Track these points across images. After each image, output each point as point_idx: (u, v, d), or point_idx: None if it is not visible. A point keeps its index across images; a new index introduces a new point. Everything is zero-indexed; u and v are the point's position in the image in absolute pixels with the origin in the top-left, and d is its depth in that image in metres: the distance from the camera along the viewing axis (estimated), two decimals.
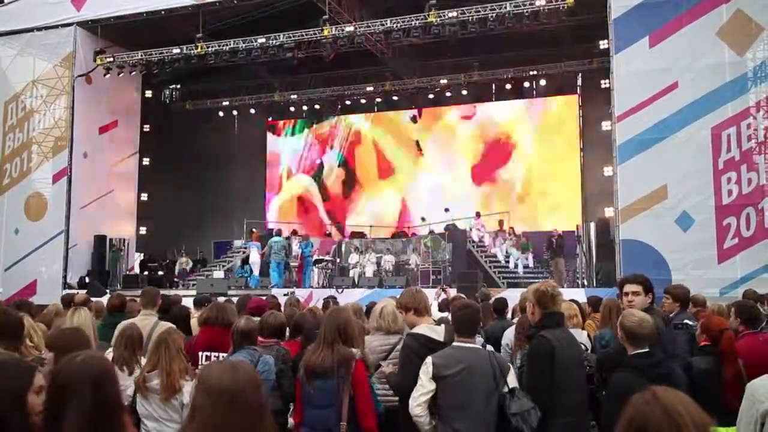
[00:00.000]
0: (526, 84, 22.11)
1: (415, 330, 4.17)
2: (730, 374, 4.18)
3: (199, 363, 4.81)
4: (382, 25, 17.31)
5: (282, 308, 6.79)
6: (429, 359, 3.77)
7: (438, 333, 4.13)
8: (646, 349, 3.79)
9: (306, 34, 17.97)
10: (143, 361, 4.42)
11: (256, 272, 18.87)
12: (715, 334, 4.29)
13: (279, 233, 19.04)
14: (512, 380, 3.66)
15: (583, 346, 5.59)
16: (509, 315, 7.49)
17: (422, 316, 4.29)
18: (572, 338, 4.09)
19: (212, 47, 18.63)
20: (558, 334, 3.86)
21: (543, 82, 21.95)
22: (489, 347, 5.08)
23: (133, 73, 20.44)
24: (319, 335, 4.02)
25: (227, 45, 18.55)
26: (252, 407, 2.02)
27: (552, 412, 3.60)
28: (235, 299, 6.84)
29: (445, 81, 22.29)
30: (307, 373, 3.92)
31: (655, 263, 13.62)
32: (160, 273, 21.28)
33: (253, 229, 21.74)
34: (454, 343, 3.91)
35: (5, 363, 2.17)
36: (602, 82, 18.40)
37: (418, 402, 3.72)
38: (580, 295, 12.68)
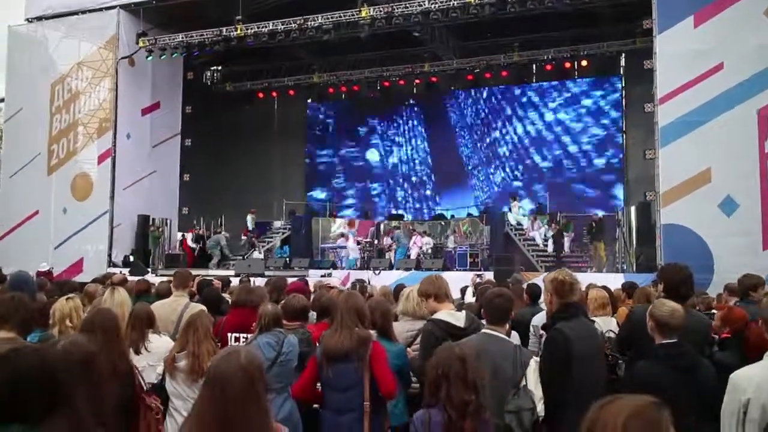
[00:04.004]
0: (567, 65, 21.70)
1: (436, 316, 4.19)
2: None
3: (228, 344, 4.93)
4: (420, 5, 17.15)
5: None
6: None
7: (459, 319, 4.14)
8: (675, 340, 3.75)
9: (344, 16, 17.94)
10: (155, 337, 4.56)
11: (353, 256, 20.06)
12: (738, 326, 4.18)
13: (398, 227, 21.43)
14: (530, 376, 3.62)
15: (612, 334, 5.55)
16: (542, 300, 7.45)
17: (443, 302, 4.30)
18: (591, 329, 4.03)
19: (251, 29, 18.74)
20: (575, 325, 3.81)
21: (584, 63, 21.53)
22: (515, 335, 5.10)
23: (175, 55, 20.69)
24: (336, 319, 4.08)
25: (266, 27, 18.64)
26: (242, 396, 2.10)
27: (569, 404, 3.57)
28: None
29: (484, 62, 22.01)
30: (326, 356, 3.97)
31: (697, 248, 13.37)
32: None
33: (352, 217, 22.31)
34: (483, 330, 3.92)
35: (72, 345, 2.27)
36: (645, 62, 17.96)
37: None
38: (619, 279, 12.57)
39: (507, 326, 3.89)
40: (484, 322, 4.17)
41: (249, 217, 22.20)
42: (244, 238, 21.97)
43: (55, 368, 2.10)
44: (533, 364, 3.63)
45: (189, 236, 21.27)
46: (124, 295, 5.15)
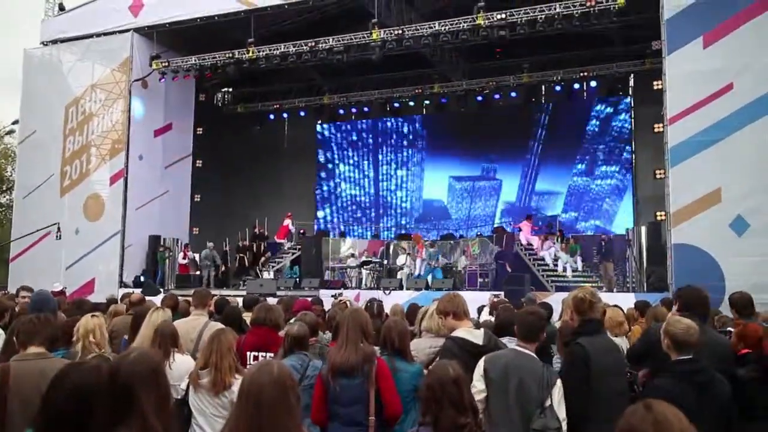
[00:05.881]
0: (576, 86, 21.82)
1: (455, 333, 4.24)
2: None
3: (248, 363, 4.96)
4: (431, 27, 17.33)
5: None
6: (482, 360, 3.82)
7: (477, 336, 4.19)
8: (690, 356, 3.77)
9: (355, 38, 18.13)
10: (178, 356, 4.65)
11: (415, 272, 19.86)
12: (753, 342, 4.20)
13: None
14: (555, 395, 3.64)
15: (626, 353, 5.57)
16: (555, 319, 7.46)
17: (461, 320, 4.35)
18: (611, 345, 4.08)
19: (263, 51, 18.98)
20: (595, 341, 3.85)
21: (593, 84, 21.65)
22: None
23: (187, 77, 20.93)
24: (341, 334, 4.15)
25: (278, 49, 18.85)
26: (276, 406, 2.17)
27: (589, 419, 3.62)
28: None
29: (493, 83, 22.13)
30: (332, 371, 4.04)
31: (708, 268, 13.33)
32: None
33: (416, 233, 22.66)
34: (513, 346, 3.96)
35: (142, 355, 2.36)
36: (655, 83, 18.07)
37: None
38: (630, 299, 12.54)
39: (536, 346, 3.89)
40: (504, 340, 4.21)
41: (289, 221, 22.53)
42: (281, 241, 22.38)
43: (127, 379, 2.20)
44: (559, 383, 3.66)
45: (180, 256, 21.38)
46: (164, 315, 5.23)
